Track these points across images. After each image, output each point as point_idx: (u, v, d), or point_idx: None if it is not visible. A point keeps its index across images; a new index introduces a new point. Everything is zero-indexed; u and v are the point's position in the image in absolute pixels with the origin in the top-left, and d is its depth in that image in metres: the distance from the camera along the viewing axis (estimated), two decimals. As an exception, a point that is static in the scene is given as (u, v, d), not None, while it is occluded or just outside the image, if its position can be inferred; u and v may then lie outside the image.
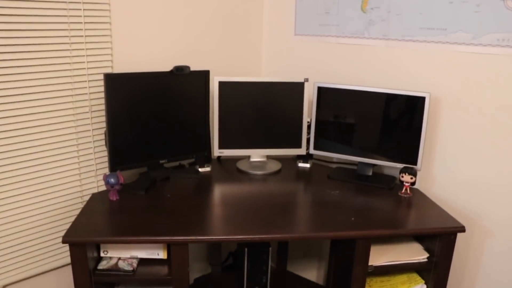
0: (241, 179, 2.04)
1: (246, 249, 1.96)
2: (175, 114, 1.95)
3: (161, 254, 1.64)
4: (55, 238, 1.88)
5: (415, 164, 1.94)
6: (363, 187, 1.99)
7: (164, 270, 1.61)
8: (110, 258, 1.64)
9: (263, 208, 1.71)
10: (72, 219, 1.90)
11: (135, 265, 1.61)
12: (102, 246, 1.62)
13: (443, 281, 1.72)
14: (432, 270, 1.72)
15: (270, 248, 1.98)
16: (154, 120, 1.89)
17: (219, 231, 1.52)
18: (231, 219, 1.60)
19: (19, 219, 1.75)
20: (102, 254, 1.63)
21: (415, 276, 1.84)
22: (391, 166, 2.00)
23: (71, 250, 1.48)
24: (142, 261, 1.65)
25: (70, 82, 1.78)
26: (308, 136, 2.17)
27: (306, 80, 2.10)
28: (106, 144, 1.80)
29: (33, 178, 1.76)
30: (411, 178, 1.87)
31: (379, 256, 1.74)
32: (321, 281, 2.64)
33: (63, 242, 1.45)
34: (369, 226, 1.59)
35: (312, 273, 2.69)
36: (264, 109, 2.12)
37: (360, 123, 2.04)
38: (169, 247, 1.63)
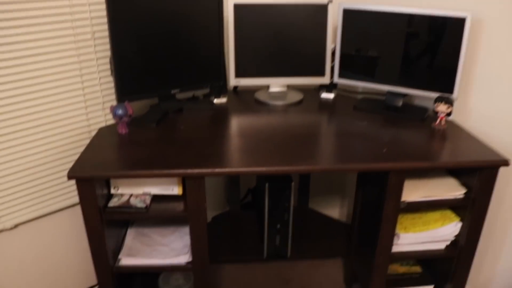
0: (259, 110, 1.88)
1: (267, 185, 1.82)
2: (187, 39, 1.77)
3: (176, 190, 1.51)
4: (64, 176, 1.77)
5: (451, 93, 1.75)
6: (393, 118, 1.82)
7: (179, 206, 1.49)
8: (121, 195, 1.52)
9: (284, 140, 1.56)
10: (81, 155, 1.78)
11: (148, 201, 1.48)
12: (112, 182, 1.50)
13: (480, 219, 1.58)
14: (468, 207, 1.58)
15: (293, 183, 1.85)
16: (164, 46, 1.71)
17: (238, 164, 1.38)
18: (250, 152, 1.46)
19: (26, 156, 1.64)
20: (112, 191, 1.51)
21: (449, 213, 1.71)
22: (424, 96, 1.81)
23: (78, 186, 1.36)
24: (156, 198, 1.54)
25: (69, 6, 1.60)
26: (333, 64, 1.99)
27: (330, 1, 1.89)
28: (111, 73, 1.64)
29: (37, 112, 1.63)
30: (448, 108, 1.69)
31: (412, 192, 1.59)
32: (344, 219, 2.53)
33: (69, 177, 1.32)
34: (403, 158, 1.44)
35: (335, 210, 2.58)
36: (284, 34, 1.93)
37: (390, 48, 1.84)
38: (184, 182, 1.50)
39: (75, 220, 1.89)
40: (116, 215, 1.45)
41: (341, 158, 1.44)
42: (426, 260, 1.97)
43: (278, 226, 1.97)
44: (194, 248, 1.50)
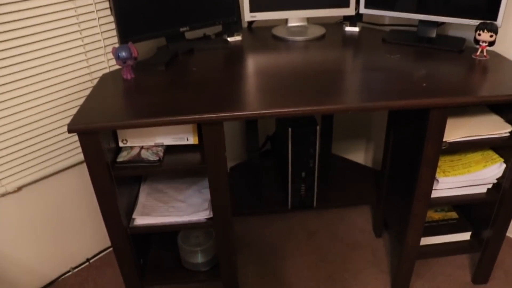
0: (278, 47, 1.68)
1: (290, 130, 1.66)
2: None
3: (191, 139, 1.35)
4: (65, 132, 1.61)
5: (495, 19, 1.53)
6: (427, 50, 1.62)
7: (196, 157, 1.33)
8: (131, 148, 1.36)
9: (307, 79, 1.38)
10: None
11: (161, 153, 1.33)
12: (119, 134, 1.33)
13: (527, 159, 1.41)
14: (514, 146, 1.41)
15: (318, 127, 1.68)
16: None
17: (259, 106, 1.21)
18: (271, 92, 1.28)
19: (23, 111, 1.48)
20: (120, 144, 1.35)
21: (492, 154, 1.54)
22: (462, 24, 1.60)
23: (81, 140, 1.20)
24: (169, 149, 1.38)
25: None
26: (357, -8, 1.77)
27: None
28: (111, 10, 1.45)
29: (29, 61, 1.45)
30: (491, 36, 1.48)
31: (452, 131, 1.42)
32: (369, 164, 2.38)
33: (69, 131, 1.16)
34: (444, 94, 1.25)
35: (359, 155, 2.42)
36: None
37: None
38: (199, 129, 1.34)
39: (84, 178, 1.75)
40: (126, 170, 1.30)
41: (373, 95, 1.26)
42: (463, 205, 1.82)
43: (303, 174, 1.81)
44: (215, 202, 1.36)
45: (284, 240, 2.01)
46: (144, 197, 1.51)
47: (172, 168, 1.30)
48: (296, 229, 2.08)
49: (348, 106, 1.21)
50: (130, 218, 1.43)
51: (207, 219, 1.43)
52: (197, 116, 1.17)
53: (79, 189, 1.75)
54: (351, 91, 1.28)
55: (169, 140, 1.35)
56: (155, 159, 1.30)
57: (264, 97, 1.26)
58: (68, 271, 1.87)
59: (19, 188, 1.57)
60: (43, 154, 1.57)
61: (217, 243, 1.46)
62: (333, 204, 2.02)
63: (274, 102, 1.22)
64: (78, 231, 1.83)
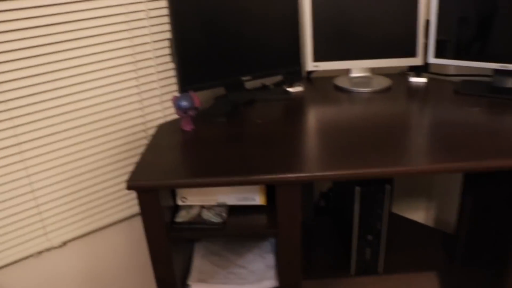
0: (341, 99, 1.56)
1: (357, 189, 1.50)
2: (258, 18, 1.46)
3: (258, 200, 1.21)
4: (117, 184, 1.49)
5: None
6: (505, 102, 1.47)
7: (262, 219, 1.19)
8: (190, 207, 1.22)
9: (377, 133, 1.24)
10: (137, 159, 1.49)
11: (224, 215, 1.19)
12: (178, 191, 1.20)
13: None
14: None
15: (387, 186, 1.52)
16: (232, 26, 1.41)
17: (330, 166, 1.07)
18: (342, 150, 1.15)
19: (71, 162, 1.37)
20: (179, 202, 1.21)
21: None
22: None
23: (139, 198, 1.07)
24: (231, 209, 1.23)
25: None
26: (426, 41, 1.64)
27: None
28: (172, 56, 1.35)
29: (81, 109, 1.34)
30: None
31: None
32: (430, 224, 2.18)
33: (128, 187, 1.03)
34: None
35: (419, 214, 2.23)
36: (367, 8, 1.60)
37: (501, 17, 1.49)
38: (269, 189, 1.19)
39: (132, 234, 1.61)
40: (185, 232, 1.16)
41: (454, 154, 1.10)
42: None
43: (369, 237, 1.64)
44: (282, 270, 1.19)
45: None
46: (199, 260, 1.36)
47: (238, 233, 1.15)
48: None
49: (423, 168, 1.05)
50: (184, 285, 1.28)
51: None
52: (273, 176, 1.03)
53: (127, 245, 1.61)
54: (424, 149, 1.13)
55: (232, 199, 1.21)
56: (218, 221, 1.15)
57: (335, 156, 1.12)
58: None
59: (64, 243, 1.44)
60: (91, 208, 1.45)
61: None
62: (398, 269, 1.82)
63: (346, 161, 1.08)
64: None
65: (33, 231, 1.35)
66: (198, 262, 1.35)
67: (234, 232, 1.15)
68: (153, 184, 1.04)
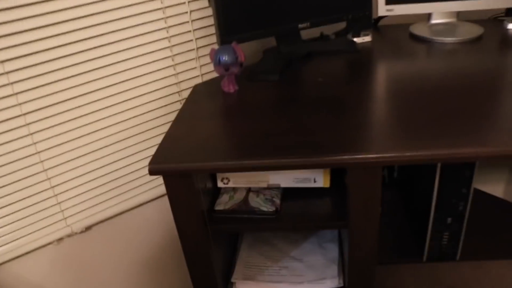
0: (419, 51, 1.24)
1: (439, 165, 1.20)
2: None
3: (320, 181, 0.94)
4: (141, 160, 1.24)
5: None
6: None
7: (326, 207, 0.92)
8: (234, 190, 0.97)
9: (467, 96, 0.92)
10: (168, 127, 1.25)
11: (277, 201, 0.93)
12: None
13: None
14: None
15: (477, 162, 1.21)
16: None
17: (415, 144, 0.77)
18: (419, 119, 0.85)
19: (92, 133, 1.12)
20: (220, 184, 0.96)
21: None
22: None
23: (167, 184, 0.82)
24: (285, 193, 0.97)
25: None
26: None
27: None
28: (209, 1, 1.07)
29: (103, 69, 1.09)
30: None
31: None
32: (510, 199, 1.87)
33: (151, 172, 0.78)
34: None
35: (498, 188, 1.91)
36: None
37: None
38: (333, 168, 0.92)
39: (165, 213, 1.38)
40: (227, 224, 0.91)
41: None
42: None
43: (449, 220, 1.34)
44: (353, 267, 0.93)
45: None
46: (246, 250, 1.12)
47: (295, 225, 0.89)
48: (428, 285, 1.61)
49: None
50: (227, 282, 1.04)
51: (336, 289, 1.02)
52: (346, 157, 0.75)
53: (160, 226, 1.39)
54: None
55: (288, 181, 0.94)
56: (270, 209, 0.90)
57: (417, 126, 0.82)
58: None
59: (88, 228, 1.23)
60: (116, 187, 1.22)
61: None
62: (478, 256, 1.53)
63: (430, 137, 0.78)
64: (155, 280, 1.47)
65: (50, 216, 1.14)
66: (245, 254, 1.11)
67: (290, 225, 0.90)
68: (184, 168, 0.79)
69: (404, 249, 1.43)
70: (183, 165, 0.78)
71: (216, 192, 0.98)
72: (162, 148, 0.83)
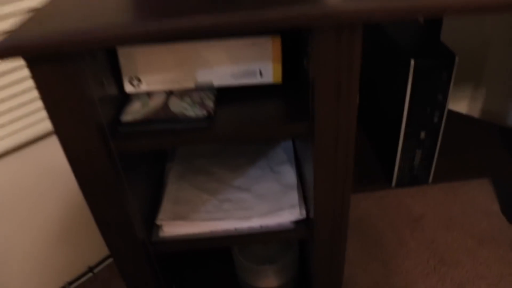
0: None
1: (412, 62, 0.97)
2: None
3: (268, 73, 0.67)
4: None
5: None
6: None
7: (279, 108, 0.65)
8: (149, 95, 0.68)
9: None
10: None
11: (210, 104, 0.65)
12: (123, 65, 0.65)
13: None
14: None
15: (457, 58, 0.99)
16: None
17: None
18: None
19: None
20: (128, 88, 0.67)
21: None
22: None
23: (34, 75, 0.51)
24: (221, 95, 0.70)
25: None
26: None
27: None
28: None
29: None
30: None
31: None
32: (476, 115, 1.69)
33: (1, 54, 0.47)
34: None
35: (461, 105, 1.73)
36: None
37: None
38: (286, 50, 0.65)
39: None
40: (140, 139, 0.62)
41: None
42: None
43: (422, 135, 1.13)
44: (320, 192, 0.67)
45: (381, 229, 1.35)
46: (174, 183, 0.84)
47: (238, 133, 0.62)
48: (395, 212, 1.41)
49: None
50: (151, 225, 0.77)
51: (298, 222, 0.76)
52: (310, 10, 0.48)
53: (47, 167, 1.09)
54: None
55: (223, 77, 0.66)
56: (199, 114, 0.61)
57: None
58: (63, 288, 1.25)
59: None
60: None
61: (313, 263, 0.80)
62: (452, 178, 1.34)
63: None
64: (74, 229, 1.18)
65: None
66: (174, 187, 0.84)
67: (230, 134, 0.62)
68: (58, 40, 0.48)
69: (370, 176, 1.21)
70: (55, 37, 0.48)
71: (124, 100, 0.69)
72: (29, 23, 0.53)
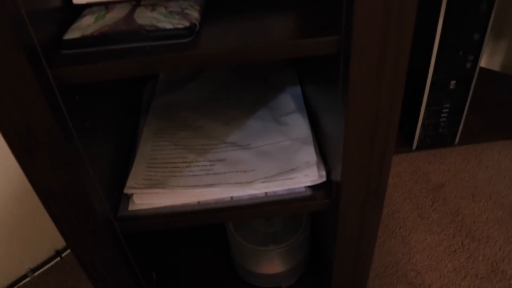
0: None
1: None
2: None
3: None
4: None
5: None
6: None
7: (289, 19, 0.44)
8: (107, 7, 0.47)
9: None
10: None
11: (194, 13, 0.43)
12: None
13: None
14: None
15: None
16: None
17: None
18: None
19: None
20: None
21: None
22: None
23: None
24: (211, 7, 0.49)
25: None
26: None
27: None
28: None
29: None
30: None
31: None
32: (496, 68, 1.52)
33: None
34: None
35: (496, 63, 1.55)
36: None
37: None
38: None
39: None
40: (90, 67, 0.40)
41: None
42: None
43: (452, 84, 0.94)
44: (354, 139, 0.47)
45: (397, 200, 1.16)
46: (150, 139, 0.64)
47: (235, 53, 0.41)
48: (412, 181, 1.22)
49: None
50: (118, 196, 0.56)
51: (315, 187, 0.56)
52: None
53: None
54: None
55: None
56: (178, 25, 0.40)
57: None
58: (26, 276, 1.05)
59: None
60: None
61: (333, 244, 0.60)
62: (478, 139, 1.16)
63: None
64: (37, 208, 0.98)
65: None
66: (149, 145, 0.63)
67: (222, 52, 0.41)
68: None
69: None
70: None
71: (70, 17, 0.48)
72: None
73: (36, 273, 1.08)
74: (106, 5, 0.48)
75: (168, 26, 0.42)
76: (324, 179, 0.57)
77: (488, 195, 1.16)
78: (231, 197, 0.57)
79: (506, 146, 1.27)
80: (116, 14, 0.45)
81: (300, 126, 0.65)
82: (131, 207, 0.56)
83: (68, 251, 1.12)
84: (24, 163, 0.44)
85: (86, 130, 0.49)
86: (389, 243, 1.05)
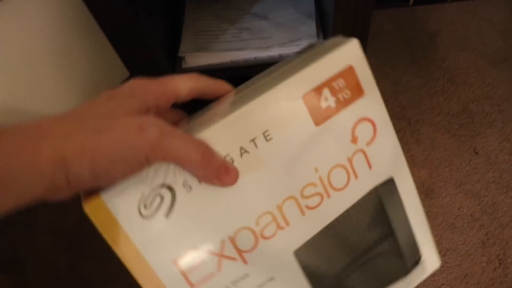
0: None
1: None
2: None
3: None
4: None
5: None
6: None
7: None
8: None
9: None
10: None
11: None
12: None
13: None
14: None
15: None
16: None
17: None
18: None
19: None
20: None
21: None
22: None
23: None
24: None
25: None
26: None
27: None
28: None
29: None
30: None
31: None
32: None
33: None
34: None
35: None
36: None
37: None
38: None
39: None
40: None
41: None
42: None
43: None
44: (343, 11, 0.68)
45: (395, 46, 1.36)
46: (191, 13, 0.85)
47: None
48: (410, 28, 1.40)
49: None
50: (174, 58, 0.80)
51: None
52: None
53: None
54: None
55: None
56: None
57: None
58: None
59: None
60: None
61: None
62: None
63: None
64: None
65: None
66: (191, 18, 0.84)
67: None
68: None
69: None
70: None
71: None
72: None
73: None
74: None
75: None
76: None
77: (475, 45, 1.35)
78: (255, 58, 0.80)
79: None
80: None
81: (307, 1, 0.84)
82: (184, 65, 0.80)
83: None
84: (115, 44, 0.67)
85: (151, 14, 0.70)
86: (382, 84, 1.28)
